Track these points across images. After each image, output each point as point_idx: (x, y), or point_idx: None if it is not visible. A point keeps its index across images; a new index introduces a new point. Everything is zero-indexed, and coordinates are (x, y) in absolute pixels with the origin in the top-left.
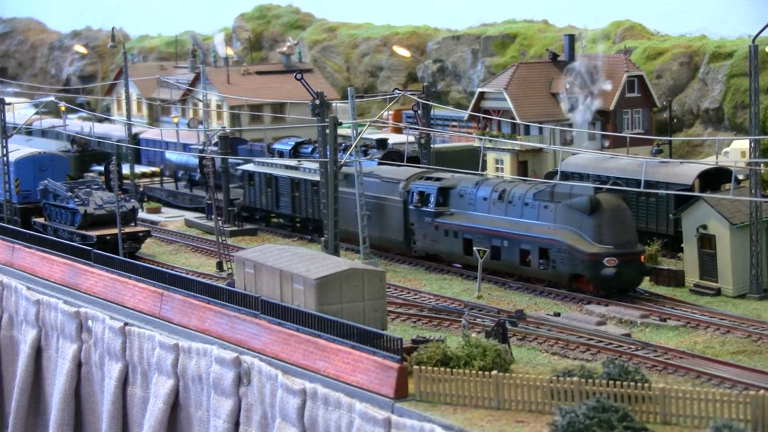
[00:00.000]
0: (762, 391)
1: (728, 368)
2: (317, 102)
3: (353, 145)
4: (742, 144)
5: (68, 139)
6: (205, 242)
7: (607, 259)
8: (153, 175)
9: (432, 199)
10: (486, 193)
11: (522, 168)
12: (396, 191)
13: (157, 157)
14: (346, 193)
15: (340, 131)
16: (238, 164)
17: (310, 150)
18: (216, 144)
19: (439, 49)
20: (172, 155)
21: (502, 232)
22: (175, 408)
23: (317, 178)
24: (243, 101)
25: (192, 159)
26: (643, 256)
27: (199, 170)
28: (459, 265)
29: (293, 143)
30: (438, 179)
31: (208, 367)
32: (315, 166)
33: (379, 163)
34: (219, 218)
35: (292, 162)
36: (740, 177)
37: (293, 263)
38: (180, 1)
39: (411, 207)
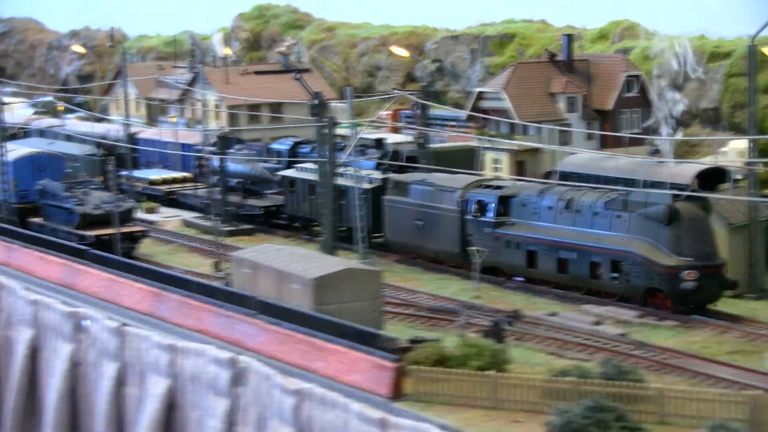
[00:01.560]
0: (759, 391)
1: (725, 368)
2: (315, 102)
3: (351, 145)
4: (740, 144)
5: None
6: (203, 242)
7: (687, 272)
8: (184, 180)
9: (492, 208)
10: (552, 202)
11: (520, 168)
12: (452, 200)
13: (156, 158)
14: (396, 202)
15: (338, 131)
16: (277, 169)
17: (308, 150)
18: (215, 144)
19: (438, 48)
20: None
21: (571, 243)
22: (170, 408)
23: (366, 185)
24: (241, 101)
25: (241, 166)
26: (723, 269)
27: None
28: (522, 279)
29: (291, 143)
30: (498, 187)
31: (204, 367)
32: (364, 173)
33: (377, 165)
34: (217, 218)
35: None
36: (738, 177)
37: (291, 263)
38: (179, 1)
39: (469, 217)
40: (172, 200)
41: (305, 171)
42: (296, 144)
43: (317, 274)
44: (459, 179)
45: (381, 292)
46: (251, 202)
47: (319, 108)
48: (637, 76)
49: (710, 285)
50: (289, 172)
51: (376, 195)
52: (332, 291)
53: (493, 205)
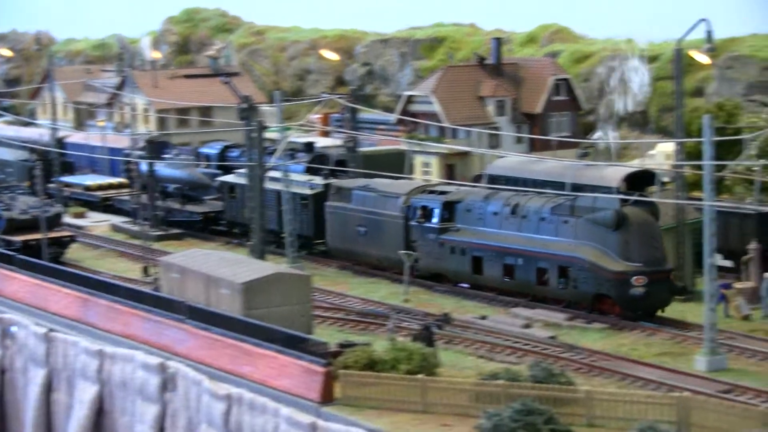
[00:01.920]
0: (686, 393)
1: (653, 370)
2: (244, 106)
3: (280, 149)
4: (667, 147)
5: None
6: (131, 247)
7: (635, 278)
8: (120, 186)
9: (437, 214)
10: (497, 207)
11: (449, 171)
12: (396, 206)
13: (84, 162)
14: (338, 208)
15: (268, 135)
16: (216, 174)
17: (237, 154)
18: (144, 148)
19: (368, 52)
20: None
21: (517, 249)
22: (99, 414)
23: (307, 191)
24: (170, 105)
25: (166, 169)
26: (672, 275)
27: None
28: (467, 285)
29: (221, 147)
30: (443, 193)
31: (132, 373)
32: (304, 179)
33: (307, 168)
34: (145, 222)
35: (277, 174)
36: (666, 179)
37: (220, 268)
38: (107, 4)
39: (413, 223)
40: (108, 206)
41: (245, 176)
42: (225, 148)
43: (246, 279)
44: (402, 185)
45: (310, 297)
46: (190, 208)
47: (248, 112)
48: (565, 80)
49: (659, 291)
50: (229, 178)
51: (318, 201)
52: (261, 295)
53: (438, 210)
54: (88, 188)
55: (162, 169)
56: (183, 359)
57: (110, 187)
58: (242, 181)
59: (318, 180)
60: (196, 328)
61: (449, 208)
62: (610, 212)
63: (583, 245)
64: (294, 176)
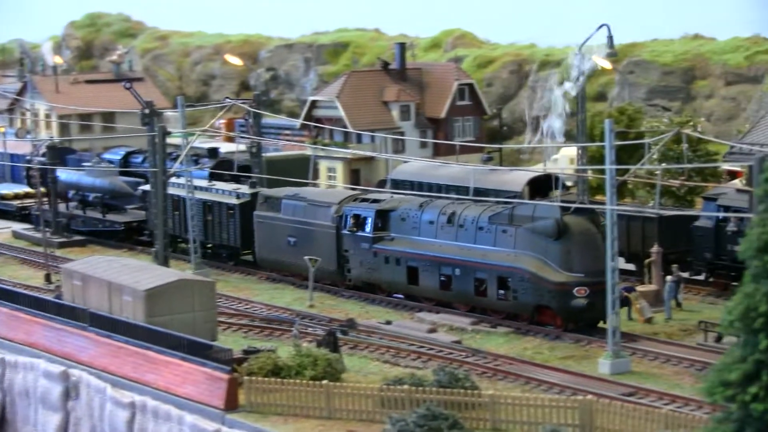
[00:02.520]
0: (589, 396)
1: (557, 373)
2: (147, 111)
3: (183, 155)
4: (570, 151)
5: None
6: (33, 254)
7: (577, 288)
8: (26, 196)
9: (370, 222)
10: (432, 216)
11: (354, 176)
12: (327, 215)
13: None
14: (267, 218)
15: (172, 140)
16: (139, 183)
17: (140, 160)
18: (44, 154)
19: (272, 57)
20: (61, 173)
21: (454, 259)
22: (1, 424)
23: (234, 200)
24: (72, 110)
25: (86, 178)
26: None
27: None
28: (401, 296)
29: (123, 153)
30: (376, 201)
31: (35, 382)
32: (230, 187)
33: (210, 174)
34: (47, 229)
35: (203, 182)
36: (568, 183)
37: (122, 275)
38: (7, 8)
39: (345, 232)
40: (26, 216)
41: (170, 186)
42: (128, 154)
43: (148, 286)
44: (334, 193)
45: (215, 303)
46: (111, 217)
47: (150, 117)
48: (469, 84)
49: (602, 302)
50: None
51: (245, 211)
52: (164, 302)
53: (371, 219)
54: (3, 197)
55: (82, 177)
56: (86, 367)
57: (27, 196)
58: (168, 190)
59: (245, 189)
60: (98, 335)
61: (383, 217)
62: (550, 221)
63: (523, 255)
64: (220, 185)
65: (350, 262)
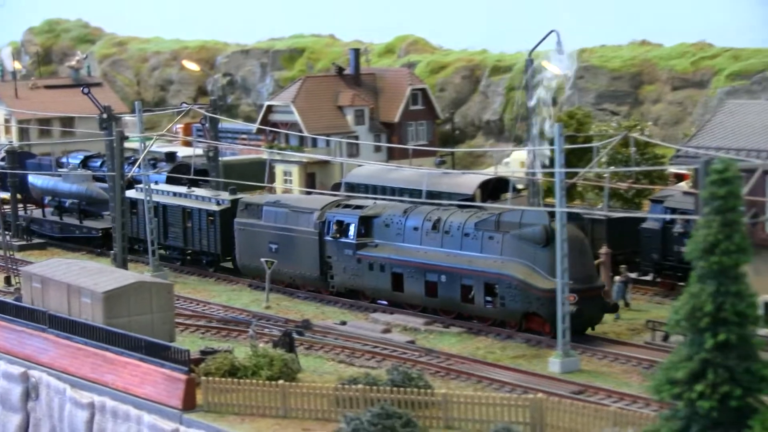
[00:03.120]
0: (540, 394)
1: (508, 372)
2: (105, 116)
3: (141, 159)
4: (521, 155)
5: None
6: None
7: (566, 295)
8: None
9: (353, 229)
10: (417, 222)
11: (310, 180)
12: (309, 222)
13: None
14: (247, 225)
15: (130, 145)
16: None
17: (99, 164)
18: (3, 159)
19: (228, 63)
20: (36, 179)
21: (440, 265)
22: None
23: (214, 207)
24: (31, 115)
25: (63, 184)
26: (603, 292)
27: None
28: (385, 303)
29: (82, 157)
30: (359, 207)
31: None
32: (209, 194)
33: (168, 177)
34: (7, 233)
35: (182, 189)
36: (519, 186)
37: (81, 277)
38: None
39: (328, 238)
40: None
41: (153, 193)
42: (87, 158)
43: (107, 288)
44: (316, 200)
45: (172, 305)
46: (88, 223)
47: (108, 122)
48: (422, 89)
49: (591, 308)
50: (131, 194)
51: (225, 218)
52: (122, 304)
53: (354, 225)
54: None
55: (59, 183)
56: (46, 368)
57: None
58: (143, 196)
59: (225, 195)
60: (58, 337)
61: (366, 223)
62: (539, 228)
63: (510, 262)
64: (199, 191)
65: (333, 269)
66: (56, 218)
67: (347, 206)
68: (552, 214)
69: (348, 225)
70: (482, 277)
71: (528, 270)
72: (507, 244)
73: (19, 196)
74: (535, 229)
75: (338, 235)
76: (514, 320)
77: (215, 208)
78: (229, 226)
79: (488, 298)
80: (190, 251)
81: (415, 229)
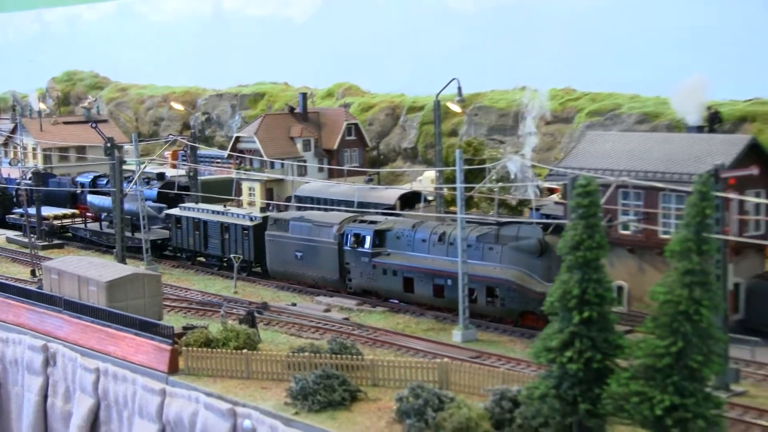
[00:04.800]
0: (445, 359)
1: (421, 342)
2: (109, 145)
3: (135, 178)
4: (431, 174)
5: None
6: (21, 255)
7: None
8: (73, 216)
9: (368, 240)
10: (425, 235)
11: (269, 194)
12: (330, 234)
13: None
14: (277, 236)
15: (128, 167)
16: (161, 208)
17: (105, 182)
18: (30, 178)
19: (206, 104)
20: (95, 199)
21: (447, 271)
22: None
23: (248, 222)
24: (52, 145)
25: (128, 204)
26: None
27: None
28: (396, 301)
29: (92, 176)
30: (373, 222)
31: (22, 353)
32: (243, 212)
33: (159, 193)
34: (33, 236)
35: (220, 208)
36: (429, 198)
37: (89, 270)
38: (3, 66)
39: (346, 248)
40: (63, 233)
41: (189, 210)
42: (96, 177)
43: (109, 278)
44: (334, 216)
45: (161, 291)
46: (139, 235)
47: (111, 150)
48: (355, 124)
49: None
50: (175, 211)
51: (257, 231)
52: (121, 291)
53: (370, 237)
54: (45, 218)
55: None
56: (61, 341)
57: (65, 216)
58: (187, 214)
59: (257, 213)
60: (70, 317)
61: (380, 236)
62: (534, 241)
63: (509, 269)
64: (234, 210)
65: (351, 273)
66: (111, 231)
67: (362, 221)
68: (545, 229)
69: (364, 237)
70: (485, 281)
71: (525, 276)
72: (505, 254)
73: (76, 211)
74: (531, 241)
75: (356, 246)
76: (512, 317)
77: (249, 223)
78: (260, 238)
79: (489, 299)
80: (226, 259)
81: (423, 241)
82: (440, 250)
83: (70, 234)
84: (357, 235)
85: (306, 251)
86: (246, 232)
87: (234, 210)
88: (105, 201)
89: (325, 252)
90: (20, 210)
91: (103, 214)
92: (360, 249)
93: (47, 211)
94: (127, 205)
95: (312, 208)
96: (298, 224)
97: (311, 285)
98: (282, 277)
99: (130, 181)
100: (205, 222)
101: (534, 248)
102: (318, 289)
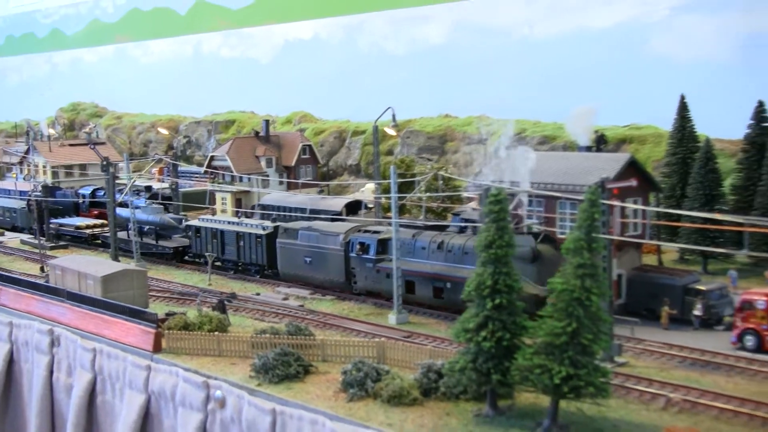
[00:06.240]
0: (382, 338)
1: (363, 324)
2: (105, 163)
3: (126, 190)
4: (371, 185)
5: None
6: (33, 254)
7: (549, 298)
8: (102, 225)
9: (372, 248)
10: (424, 243)
11: (238, 203)
12: (336, 242)
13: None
14: (287, 244)
15: (121, 181)
16: (181, 219)
17: (102, 193)
18: (40, 191)
19: (187, 129)
20: (122, 211)
21: (446, 275)
22: (10, 363)
23: (261, 231)
24: (59, 163)
25: (141, 214)
26: None
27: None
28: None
29: (91, 189)
30: (376, 232)
31: (32, 336)
32: (256, 222)
33: (147, 201)
34: (42, 238)
35: (236, 219)
36: (370, 206)
37: (88, 266)
38: (17, 98)
39: (352, 254)
40: (93, 240)
41: (207, 221)
42: (94, 190)
43: (104, 273)
44: (339, 226)
45: (147, 284)
46: (162, 243)
47: (106, 167)
48: (309, 145)
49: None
50: (194, 222)
51: (269, 239)
52: (114, 284)
53: (373, 245)
54: (78, 227)
55: (139, 214)
56: (64, 326)
57: (95, 226)
58: (205, 224)
59: (268, 223)
60: (72, 305)
61: (382, 244)
62: (527, 249)
63: None
64: (248, 221)
65: (356, 276)
66: (137, 239)
67: (366, 231)
68: (535, 237)
69: (368, 245)
70: None
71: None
72: None
73: (105, 221)
74: (524, 249)
75: (361, 252)
76: None
77: (262, 232)
78: (272, 245)
79: None
80: (241, 263)
81: (423, 248)
82: (439, 257)
83: (99, 241)
84: (362, 243)
85: (314, 257)
86: (259, 240)
87: (247, 221)
88: (127, 212)
89: (332, 258)
90: (57, 221)
91: (146, 228)
92: (365, 255)
93: (80, 221)
94: (150, 217)
95: (275, 215)
96: (306, 233)
97: (318, 286)
98: (293, 280)
99: (122, 193)
100: (222, 231)
101: (527, 255)
102: (325, 290)
